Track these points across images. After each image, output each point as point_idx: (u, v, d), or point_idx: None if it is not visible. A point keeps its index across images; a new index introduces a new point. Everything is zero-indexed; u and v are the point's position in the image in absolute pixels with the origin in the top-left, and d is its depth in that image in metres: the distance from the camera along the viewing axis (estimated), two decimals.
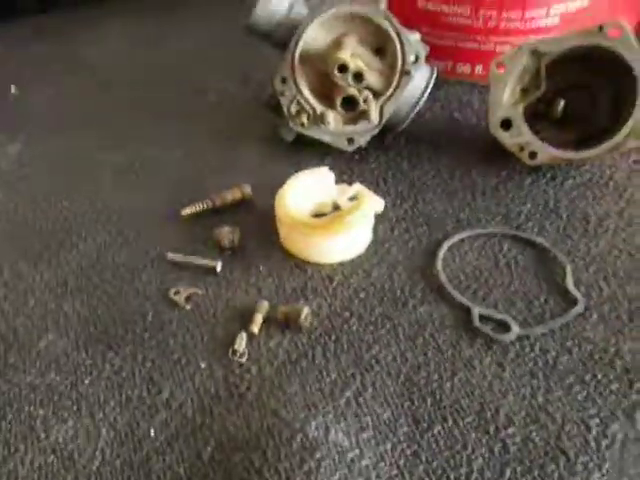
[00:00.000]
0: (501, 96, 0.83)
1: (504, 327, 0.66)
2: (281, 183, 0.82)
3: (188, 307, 0.70)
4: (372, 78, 0.82)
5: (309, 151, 0.89)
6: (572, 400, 0.60)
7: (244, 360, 0.65)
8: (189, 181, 0.87)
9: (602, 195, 0.81)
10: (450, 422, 0.59)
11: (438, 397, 0.61)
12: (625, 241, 0.75)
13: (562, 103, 0.82)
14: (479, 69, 0.97)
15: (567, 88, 0.85)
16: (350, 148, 0.86)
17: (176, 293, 0.72)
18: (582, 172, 0.84)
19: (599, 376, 0.62)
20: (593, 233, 0.76)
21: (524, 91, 0.84)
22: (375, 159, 0.88)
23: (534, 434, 0.58)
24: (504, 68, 0.83)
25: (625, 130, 0.79)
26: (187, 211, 0.80)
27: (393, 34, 0.82)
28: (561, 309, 0.68)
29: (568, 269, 0.71)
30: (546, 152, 0.82)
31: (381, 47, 0.84)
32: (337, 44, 0.83)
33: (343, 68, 0.80)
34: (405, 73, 0.82)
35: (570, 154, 0.81)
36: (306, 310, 0.67)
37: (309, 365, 0.64)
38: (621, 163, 0.85)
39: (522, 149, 0.82)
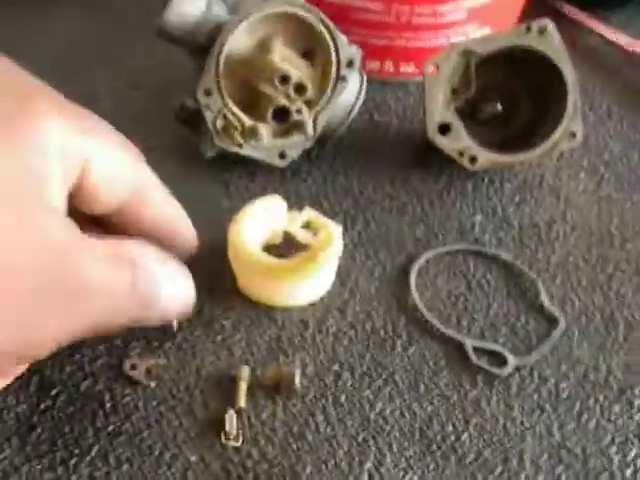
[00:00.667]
0: (437, 99, 0.79)
1: (498, 358, 0.64)
2: (215, 211, 0.73)
3: (152, 384, 0.60)
4: (309, 89, 0.74)
5: (233, 168, 0.80)
6: (586, 431, 0.59)
7: (240, 443, 0.56)
8: None
9: (542, 198, 0.80)
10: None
11: (460, 453, 0.57)
12: (576, 246, 0.75)
13: (498, 106, 0.80)
14: (389, 66, 0.92)
15: (491, 88, 0.82)
16: (283, 164, 0.77)
17: (132, 367, 0.61)
18: (515, 174, 0.83)
19: (600, 399, 0.62)
20: (546, 241, 0.75)
21: (453, 92, 0.80)
22: (308, 174, 0.80)
23: (563, 476, 0.56)
24: (437, 69, 0.78)
25: (559, 131, 0.78)
26: None
27: (326, 35, 0.74)
28: (544, 329, 0.67)
29: (540, 285, 0.70)
30: (486, 156, 0.79)
31: (309, 50, 0.76)
32: (263, 47, 0.73)
33: (284, 79, 0.71)
34: (340, 79, 0.75)
35: (509, 157, 0.80)
36: (298, 372, 0.59)
37: (316, 437, 0.57)
38: (546, 161, 0.84)
39: (461, 154, 0.79)
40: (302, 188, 0.79)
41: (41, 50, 0.92)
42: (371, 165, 0.82)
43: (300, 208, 0.70)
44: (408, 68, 0.92)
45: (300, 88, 0.72)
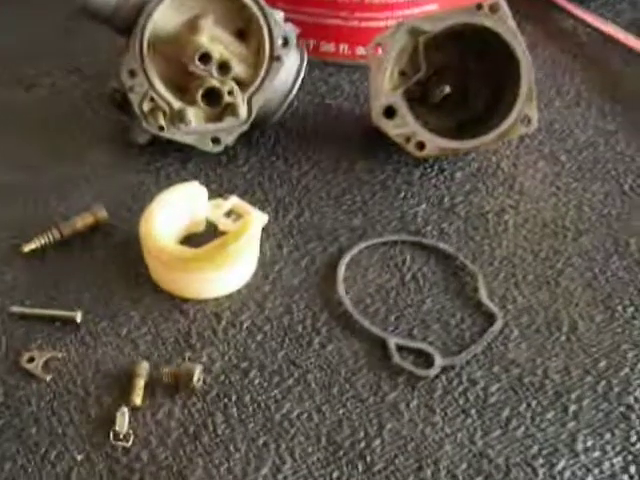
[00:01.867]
0: (382, 81, 0.74)
1: (425, 357, 0.59)
2: (141, 199, 0.69)
3: (48, 378, 0.56)
4: (237, 67, 0.70)
5: (167, 155, 0.76)
6: (512, 439, 0.54)
7: (130, 444, 0.52)
8: (25, 208, 0.70)
9: (494, 187, 0.75)
10: None
11: (369, 460, 0.53)
12: (527, 239, 0.70)
13: (447, 89, 0.75)
14: (344, 48, 0.88)
15: (443, 70, 0.77)
16: (216, 149, 0.73)
17: (30, 360, 0.57)
18: (469, 162, 0.78)
19: (533, 404, 0.57)
20: (494, 232, 0.70)
21: (402, 74, 0.76)
22: (245, 161, 0.76)
23: None
24: (383, 49, 0.74)
25: (513, 116, 0.73)
26: (29, 247, 0.65)
27: (258, 14, 0.70)
28: (480, 328, 0.62)
29: (480, 279, 0.65)
30: (434, 142, 0.74)
31: (242, 29, 0.72)
32: (191, 27, 0.69)
33: (205, 57, 0.67)
34: (275, 59, 0.71)
35: (458, 144, 0.75)
36: (198, 370, 0.55)
37: (211, 439, 0.53)
38: (504, 149, 0.79)
39: (408, 140, 0.74)
40: (237, 175, 0.75)
41: None
42: (315, 152, 0.78)
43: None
44: (363, 50, 0.88)
45: (224, 67, 0.68)
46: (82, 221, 0.66)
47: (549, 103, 0.84)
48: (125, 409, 0.53)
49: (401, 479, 0.52)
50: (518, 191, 0.74)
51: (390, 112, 0.74)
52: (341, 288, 0.63)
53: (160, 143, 0.75)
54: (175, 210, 0.63)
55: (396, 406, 0.56)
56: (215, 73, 0.68)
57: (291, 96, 0.74)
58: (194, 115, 0.71)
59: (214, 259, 0.59)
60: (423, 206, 0.72)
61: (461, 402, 0.56)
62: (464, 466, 0.53)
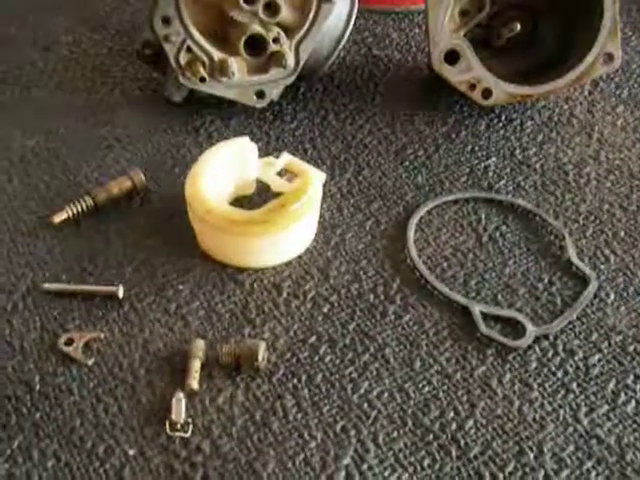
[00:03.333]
0: (442, 22, 0.66)
1: (514, 327, 0.52)
2: (181, 161, 0.63)
3: (90, 362, 0.50)
4: (283, 9, 0.62)
5: (206, 113, 0.69)
6: (622, 416, 0.47)
7: (188, 434, 0.46)
8: (53, 175, 0.64)
9: (570, 137, 0.67)
10: (488, 478, 0.44)
11: (463, 444, 0.46)
12: (613, 192, 0.62)
13: (517, 26, 0.67)
14: None
15: (508, 8, 0.69)
16: (260, 104, 0.66)
17: (69, 342, 0.51)
18: (539, 110, 0.70)
19: None
20: (575, 186, 0.63)
21: (463, 14, 0.68)
22: (293, 117, 0.69)
23: (593, 474, 0.45)
24: None
25: (593, 54, 0.65)
26: (60, 217, 0.58)
27: None
28: (572, 291, 0.55)
29: (567, 238, 0.58)
30: (502, 89, 0.66)
31: None
32: None
33: None
34: (324, 0, 0.63)
35: (529, 89, 0.67)
36: (262, 347, 0.48)
37: (282, 426, 0.46)
38: (577, 95, 0.71)
39: (473, 87, 0.67)
40: (285, 132, 0.67)
41: None
42: (368, 106, 0.70)
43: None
44: None
45: (271, 7, 0.61)
46: (118, 186, 0.59)
47: (624, 42, 0.76)
48: (181, 395, 0.47)
49: (501, 466, 0.45)
50: (597, 140, 0.67)
51: (452, 57, 0.66)
52: (413, 251, 0.56)
53: (197, 101, 0.68)
54: (224, 169, 0.56)
55: (487, 382, 0.49)
56: (262, 14, 0.60)
57: (342, 43, 0.67)
58: (237, 66, 0.64)
59: (273, 221, 0.52)
60: (493, 159, 0.65)
61: (559, 375, 0.49)
62: (571, 448, 0.46)
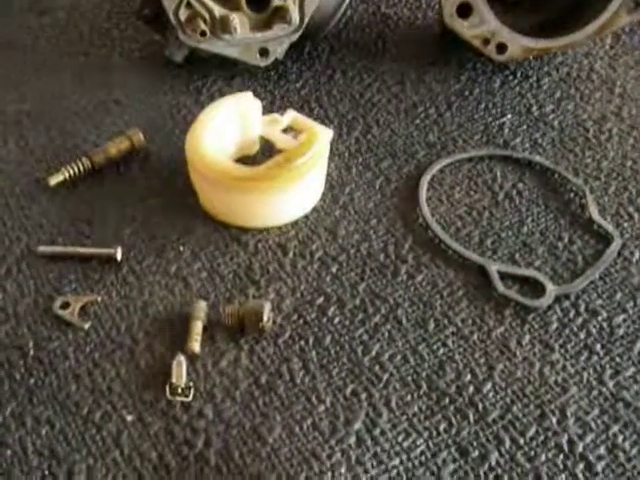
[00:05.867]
0: None
1: (533, 286, 0.49)
2: (181, 121, 0.60)
3: (87, 325, 0.47)
4: None
5: (208, 72, 0.66)
6: None
7: (190, 398, 0.43)
8: (50, 137, 0.61)
9: (590, 92, 0.64)
10: (508, 443, 0.42)
11: (481, 407, 0.43)
12: (635, 148, 0.59)
13: None
14: None
15: None
16: (264, 62, 0.63)
17: (64, 306, 0.48)
18: (556, 66, 0.67)
19: None
20: (596, 143, 0.60)
21: None
22: (298, 76, 0.66)
23: (620, 439, 0.42)
24: None
25: (614, 4, 0.62)
26: (56, 179, 0.56)
27: None
28: (593, 250, 0.52)
29: (588, 194, 0.55)
30: (518, 43, 0.63)
31: None
32: None
33: None
34: None
35: (547, 42, 0.64)
36: (267, 307, 0.46)
37: (288, 389, 0.44)
38: (597, 50, 0.68)
39: (487, 42, 0.63)
40: (290, 92, 0.64)
41: None
42: (376, 63, 0.67)
43: None
44: None
45: None
46: (116, 147, 0.57)
47: None
48: (182, 357, 0.44)
49: (522, 430, 0.42)
50: (619, 95, 0.64)
51: (465, 10, 0.63)
52: (425, 210, 0.53)
53: (198, 61, 0.65)
54: (225, 125, 0.53)
55: (506, 343, 0.46)
56: None
57: (347, 0, 0.64)
58: (239, 22, 0.61)
59: (277, 177, 0.49)
60: (509, 116, 0.62)
61: (582, 336, 0.47)
62: (596, 412, 0.43)
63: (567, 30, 0.63)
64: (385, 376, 0.44)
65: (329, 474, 0.40)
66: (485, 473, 0.40)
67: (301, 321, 0.47)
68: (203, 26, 0.60)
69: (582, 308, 0.48)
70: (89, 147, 0.59)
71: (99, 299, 0.49)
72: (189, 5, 0.60)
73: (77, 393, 0.44)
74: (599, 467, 0.41)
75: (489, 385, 0.44)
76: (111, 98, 0.64)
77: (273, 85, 0.65)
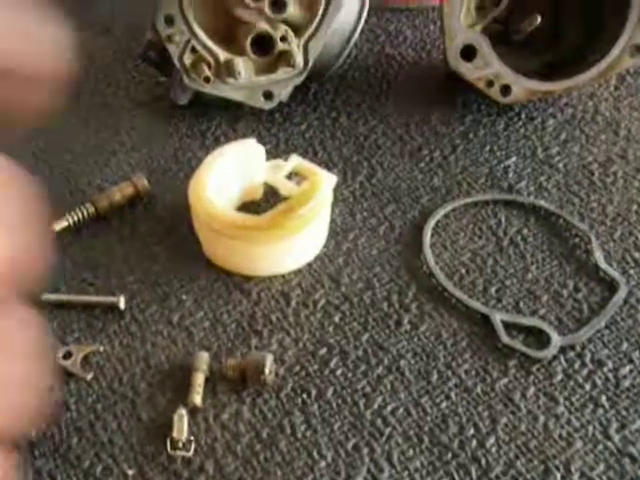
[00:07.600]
0: (458, 17, 0.63)
1: (538, 336, 0.49)
2: (186, 165, 0.60)
3: (89, 376, 0.47)
4: (291, 6, 0.60)
5: (213, 116, 0.66)
6: None
7: (191, 453, 0.43)
8: (54, 181, 0.61)
9: (595, 134, 0.64)
10: None
11: (484, 463, 0.43)
12: None
13: (538, 19, 0.64)
14: None
15: (526, 2, 0.66)
16: (268, 105, 0.64)
17: (67, 356, 0.48)
18: (561, 107, 0.67)
19: None
20: (602, 186, 0.59)
21: (479, 9, 0.65)
22: (303, 118, 0.66)
23: None
24: None
25: (619, 46, 0.62)
26: (59, 226, 0.56)
27: None
28: (599, 297, 0.51)
29: (593, 240, 0.54)
30: (522, 85, 0.63)
31: None
32: None
33: None
34: None
35: (550, 85, 0.64)
36: (269, 360, 0.46)
37: (290, 444, 0.44)
38: (602, 91, 0.68)
39: (491, 84, 0.64)
40: (295, 134, 0.65)
41: None
42: (381, 105, 0.67)
43: None
44: None
45: (278, 3, 0.58)
46: (120, 193, 0.57)
47: None
48: (183, 411, 0.44)
49: None
50: (624, 137, 0.63)
51: (469, 52, 0.63)
52: (429, 257, 0.53)
53: (203, 103, 0.66)
54: (229, 172, 0.53)
55: (509, 396, 0.46)
56: (268, 11, 0.58)
57: (352, 41, 0.64)
58: (244, 66, 0.61)
59: (281, 226, 0.49)
60: (513, 159, 0.62)
61: (587, 388, 0.46)
62: (601, 467, 0.42)
63: (571, 72, 0.63)
64: (387, 430, 0.44)
65: None
66: None
67: (303, 373, 0.47)
68: (207, 72, 0.60)
69: (587, 358, 0.48)
70: (94, 192, 0.59)
71: (101, 349, 0.49)
72: (194, 50, 0.61)
73: (78, 446, 0.44)
74: None
75: (492, 439, 0.44)
76: (116, 141, 0.64)
77: (277, 128, 0.65)
